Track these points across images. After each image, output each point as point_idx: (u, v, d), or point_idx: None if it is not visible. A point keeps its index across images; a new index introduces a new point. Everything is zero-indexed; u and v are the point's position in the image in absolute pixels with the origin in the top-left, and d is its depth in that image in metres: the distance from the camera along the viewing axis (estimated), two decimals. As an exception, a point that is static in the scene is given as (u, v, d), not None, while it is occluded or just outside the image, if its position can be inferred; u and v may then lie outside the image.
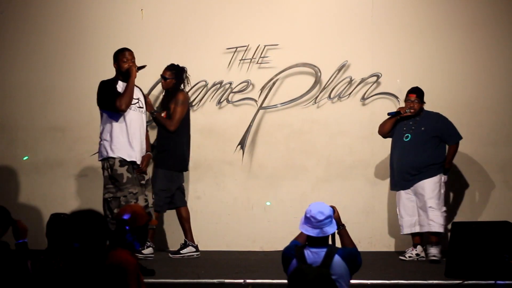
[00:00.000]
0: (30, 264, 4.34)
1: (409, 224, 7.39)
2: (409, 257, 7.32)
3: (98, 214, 4.12)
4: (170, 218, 7.87)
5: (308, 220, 4.53)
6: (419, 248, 7.36)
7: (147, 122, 7.06)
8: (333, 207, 4.66)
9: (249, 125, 8.13)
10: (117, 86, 6.84)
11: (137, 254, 5.17)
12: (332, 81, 8.12)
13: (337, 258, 4.48)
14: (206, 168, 8.10)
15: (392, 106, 7.91)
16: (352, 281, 4.66)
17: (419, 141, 7.33)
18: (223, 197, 8.11)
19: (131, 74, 6.81)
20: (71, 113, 8.12)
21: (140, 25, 8.10)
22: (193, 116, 7.92)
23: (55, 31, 8.14)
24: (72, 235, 3.97)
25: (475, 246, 6.34)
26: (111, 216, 6.65)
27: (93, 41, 8.11)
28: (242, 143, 8.14)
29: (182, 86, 7.64)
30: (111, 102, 6.74)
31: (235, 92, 8.15)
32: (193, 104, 8.11)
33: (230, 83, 8.14)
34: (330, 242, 4.61)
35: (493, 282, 6.11)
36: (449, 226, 6.70)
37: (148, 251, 7.09)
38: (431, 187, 7.29)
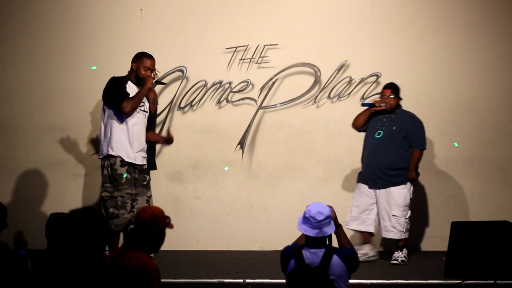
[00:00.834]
0: (30, 264, 4.33)
1: (358, 221, 7.07)
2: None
3: (97, 212, 4.10)
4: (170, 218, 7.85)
5: (307, 220, 4.53)
6: (367, 247, 7.11)
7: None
8: (330, 207, 4.65)
9: (249, 125, 8.13)
10: (127, 85, 6.84)
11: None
12: (332, 81, 8.12)
13: (335, 258, 4.48)
14: (205, 168, 8.10)
15: (392, 106, 7.90)
16: (352, 281, 4.67)
17: (390, 139, 7.13)
18: (222, 197, 8.10)
19: (146, 83, 6.83)
20: (71, 113, 8.10)
21: (139, 25, 8.09)
22: (193, 116, 7.92)
23: (55, 31, 8.14)
24: (71, 234, 3.94)
25: (475, 246, 6.34)
26: (106, 214, 6.67)
27: (93, 41, 8.11)
28: (241, 143, 8.13)
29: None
30: (117, 101, 6.75)
31: (234, 92, 8.15)
32: (193, 104, 8.11)
33: (230, 83, 8.14)
34: (327, 243, 4.61)
35: (493, 282, 6.12)
36: (449, 226, 6.69)
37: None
38: (398, 195, 7.08)
